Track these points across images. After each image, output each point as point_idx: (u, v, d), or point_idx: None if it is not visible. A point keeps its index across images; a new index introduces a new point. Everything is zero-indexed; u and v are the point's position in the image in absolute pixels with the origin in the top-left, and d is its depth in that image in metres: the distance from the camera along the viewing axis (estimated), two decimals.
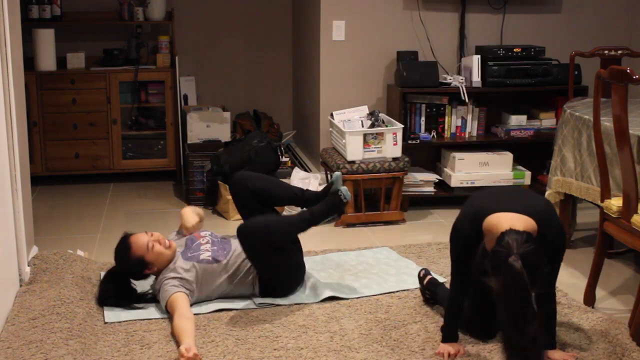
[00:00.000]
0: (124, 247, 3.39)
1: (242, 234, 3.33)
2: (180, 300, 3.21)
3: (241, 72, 6.10)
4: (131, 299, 3.38)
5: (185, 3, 5.86)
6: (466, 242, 2.82)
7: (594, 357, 2.94)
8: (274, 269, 3.42)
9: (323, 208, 3.44)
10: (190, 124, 5.25)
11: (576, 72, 4.97)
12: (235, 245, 3.47)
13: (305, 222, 3.42)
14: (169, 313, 3.24)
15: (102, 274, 3.58)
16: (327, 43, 5.09)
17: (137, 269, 3.37)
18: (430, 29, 5.14)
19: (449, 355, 2.93)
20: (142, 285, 3.51)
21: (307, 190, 3.64)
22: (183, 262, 3.36)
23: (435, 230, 4.59)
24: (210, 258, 3.39)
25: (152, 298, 3.41)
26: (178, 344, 2.97)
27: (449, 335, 3.00)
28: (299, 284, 3.54)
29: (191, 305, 3.31)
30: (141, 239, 3.36)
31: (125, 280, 3.43)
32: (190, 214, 3.66)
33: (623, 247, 3.90)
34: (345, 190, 3.46)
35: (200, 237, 3.52)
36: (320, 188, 4.68)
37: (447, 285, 3.25)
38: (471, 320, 3.07)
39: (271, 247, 3.35)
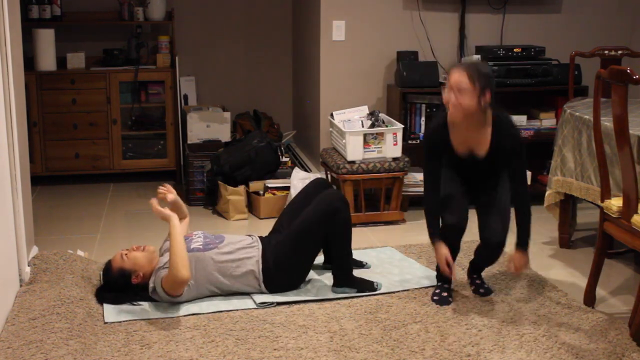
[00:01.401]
0: (106, 269, 3.48)
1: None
2: (170, 273, 3.29)
3: (241, 72, 6.10)
4: (129, 294, 3.40)
5: (185, 3, 5.86)
6: (435, 138, 3.31)
7: (594, 357, 2.94)
8: (298, 245, 3.46)
9: (355, 277, 3.59)
10: (190, 124, 5.25)
11: (576, 72, 4.96)
12: (230, 238, 3.52)
13: (350, 256, 3.61)
14: (170, 295, 3.30)
15: (101, 273, 3.58)
16: (327, 43, 5.09)
17: (123, 281, 3.39)
18: (430, 29, 5.14)
19: (447, 260, 3.24)
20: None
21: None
22: None
23: None
24: (200, 247, 3.43)
25: (151, 297, 3.41)
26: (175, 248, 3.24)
27: (435, 235, 3.32)
28: (297, 286, 3.56)
29: (194, 298, 3.39)
30: (115, 255, 3.48)
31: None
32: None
33: (623, 247, 3.89)
34: (380, 285, 3.60)
35: (192, 235, 3.56)
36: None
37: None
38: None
39: (326, 220, 3.42)
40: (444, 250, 3.29)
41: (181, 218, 3.66)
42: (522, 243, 3.30)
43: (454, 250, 3.44)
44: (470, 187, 3.43)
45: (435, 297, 3.47)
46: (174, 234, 3.32)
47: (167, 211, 3.45)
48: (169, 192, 3.61)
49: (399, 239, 4.41)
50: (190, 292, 3.37)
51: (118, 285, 3.39)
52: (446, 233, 3.36)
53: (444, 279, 3.50)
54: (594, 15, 5.41)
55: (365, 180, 4.61)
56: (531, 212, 3.33)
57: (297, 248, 3.46)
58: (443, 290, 3.50)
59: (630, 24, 5.47)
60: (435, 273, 3.63)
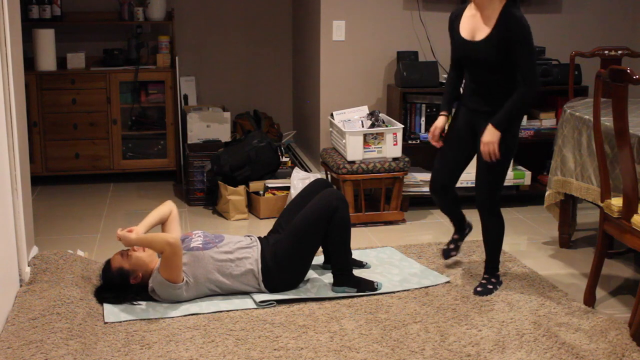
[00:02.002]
0: (105, 267, 3.49)
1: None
2: (163, 258, 3.32)
3: (241, 72, 6.10)
4: (129, 294, 3.40)
5: (185, 3, 5.86)
6: (451, 17, 3.55)
7: (594, 357, 2.94)
8: (297, 243, 3.46)
9: (355, 276, 3.60)
10: (190, 124, 5.25)
11: (576, 72, 4.96)
12: (230, 238, 3.53)
13: (349, 256, 3.59)
14: (172, 282, 3.32)
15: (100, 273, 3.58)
16: (327, 43, 5.09)
17: (121, 281, 3.39)
18: (430, 29, 5.14)
19: (434, 133, 3.60)
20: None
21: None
22: None
23: (435, 231, 4.59)
24: (200, 245, 3.45)
25: (150, 297, 3.42)
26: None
27: (441, 110, 3.64)
28: (297, 285, 3.56)
29: (193, 297, 3.41)
30: (115, 255, 3.49)
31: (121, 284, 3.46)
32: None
33: (623, 247, 3.90)
34: (380, 285, 3.61)
35: (191, 235, 3.57)
36: None
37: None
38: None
39: (325, 219, 3.42)
40: (438, 123, 3.64)
41: (166, 219, 3.67)
42: (495, 119, 3.36)
43: (451, 212, 3.79)
44: (472, 109, 3.53)
45: (443, 247, 3.89)
46: (147, 238, 3.34)
47: (128, 236, 3.35)
48: (128, 235, 3.37)
49: (399, 239, 4.41)
50: (189, 291, 3.37)
51: (116, 285, 3.39)
52: (431, 192, 3.74)
53: (457, 230, 3.85)
54: (594, 15, 5.40)
55: (365, 180, 4.61)
56: (522, 106, 3.34)
57: (296, 246, 3.46)
58: (452, 242, 3.80)
59: (630, 24, 5.47)
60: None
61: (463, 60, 3.49)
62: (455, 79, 3.64)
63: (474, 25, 3.40)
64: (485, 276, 3.63)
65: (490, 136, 3.35)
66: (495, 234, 3.58)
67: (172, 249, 3.25)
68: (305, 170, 5.21)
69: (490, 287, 3.58)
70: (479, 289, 3.56)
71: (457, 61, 3.57)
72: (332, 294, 3.49)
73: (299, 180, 4.66)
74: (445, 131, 3.67)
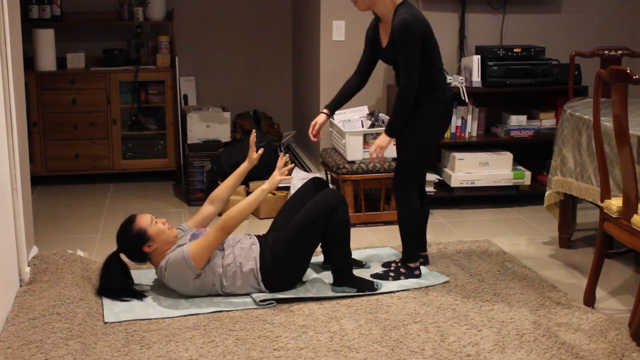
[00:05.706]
0: (128, 221, 3.48)
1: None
2: (202, 237, 3.38)
3: (241, 72, 6.10)
4: (129, 291, 3.41)
5: (185, 3, 5.86)
6: (369, 26, 3.79)
7: (594, 357, 2.94)
8: (296, 243, 3.45)
9: (355, 276, 3.59)
10: (190, 124, 5.26)
11: (576, 72, 4.97)
12: (229, 240, 3.54)
13: (349, 256, 3.58)
14: (192, 262, 3.33)
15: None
16: (327, 43, 5.09)
17: (137, 243, 3.39)
18: None
19: (312, 127, 3.70)
20: (139, 279, 3.59)
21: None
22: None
23: (435, 231, 4.59)
24: None
25: (148, 295, 3.42)
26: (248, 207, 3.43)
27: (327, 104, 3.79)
28: (295, 284, 3.56)
29: (196, 295, 3.42)
30: (145, 215, 3.49)
31: (125, 270, 3.48)
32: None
33: (623, 247, 3.90)
34: (380, 285, 3.61)
35: (204, 231, 3.56)
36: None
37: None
38: None
39: (324, 218, 3.42)
40: (317, 119, 3.73)
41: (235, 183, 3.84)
42: (386, 125, 3.59)
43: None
44: None
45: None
46: (254, 199, 3.45)
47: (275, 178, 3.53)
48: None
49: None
50: (195, 285, 3.38)
51: (130, 242, 3.40)
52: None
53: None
54: (594, 15, 5.41)
55: (365, 180, 4.61)
56: (400, 106, 3.49)
57: (295, 246, 3.46)
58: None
59: (630, 24, 5.47)
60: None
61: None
62: (352, 82, 3.78)
63: (383, 33, 3.62)
64: (397, 263, 3.76)
65: (379, 140, 3.57)
66: (400, 221, 3.73)
67: (225, 227, 3.36)
68: (305, 170, 5.21)
69: (392, 274, 3.69)
70: (378, 272, 3.72)
71: (362, 67, 3.74)
72: (332, 294, 3.49)
73: (299, 180, 4.66)
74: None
